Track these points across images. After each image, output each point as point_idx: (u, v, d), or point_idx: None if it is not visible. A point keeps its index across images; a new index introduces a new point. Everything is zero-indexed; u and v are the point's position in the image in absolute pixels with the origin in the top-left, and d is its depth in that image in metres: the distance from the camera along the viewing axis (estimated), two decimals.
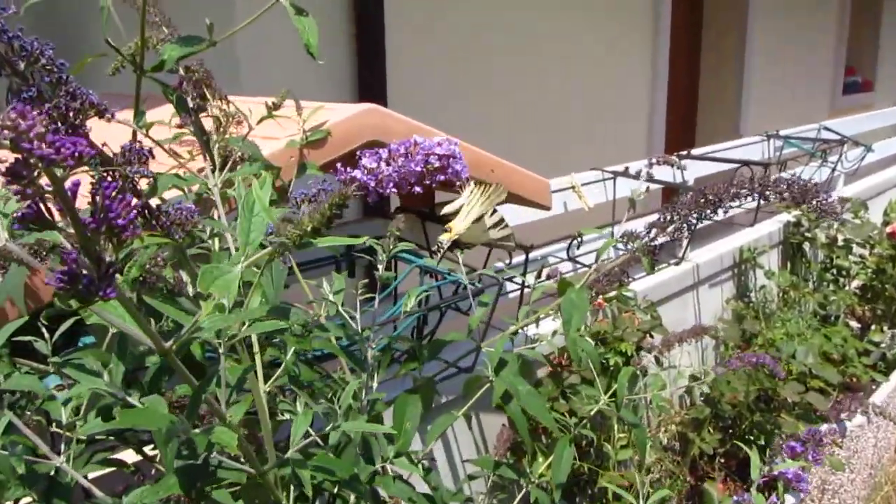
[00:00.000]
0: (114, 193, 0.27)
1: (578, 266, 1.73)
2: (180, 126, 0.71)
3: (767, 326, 2.57)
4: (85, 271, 0.27)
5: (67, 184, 0.26)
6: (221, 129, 0.99)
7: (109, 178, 0.44)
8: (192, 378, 0.41)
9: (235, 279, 0.37)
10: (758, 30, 4.09)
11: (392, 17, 2.22)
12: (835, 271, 2.97)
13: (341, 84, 2.21)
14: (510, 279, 1.62)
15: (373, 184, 0.45)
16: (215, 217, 0.64)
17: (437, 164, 0.50)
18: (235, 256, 0.39)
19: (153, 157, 0.46)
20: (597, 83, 3.11)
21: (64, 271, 0.27)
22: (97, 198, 0.27)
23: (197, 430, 0.42)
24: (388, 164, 0.47)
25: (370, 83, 2.18)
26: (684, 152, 2.32)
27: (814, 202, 0.72)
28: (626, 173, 2.00)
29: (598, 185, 2.02)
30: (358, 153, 0.48)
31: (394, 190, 0.46)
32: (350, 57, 2.20)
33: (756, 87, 4.15)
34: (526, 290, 1.55)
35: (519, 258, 1.48)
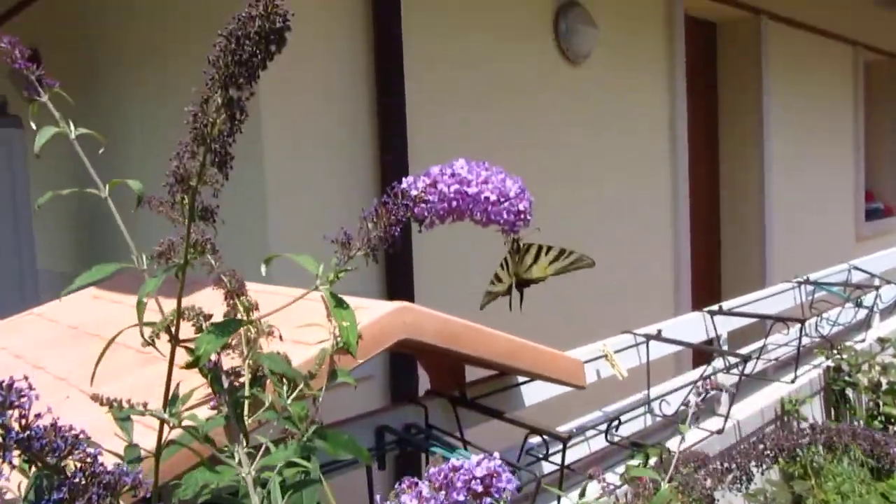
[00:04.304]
0: None
1: (616, 446, 1.66)
2: (215, 408, 0.69)
3: (817, 483, 2.43)
4: None
5: None
6: (250, 344, 0.97)
7: None
8: None
9: None
10: (776, 179, 4.16)
11: (413, 105, 2.26)
12: (882, 418, 2.84)
13: (364, 174, 2.21)
14: (545, 458, 1.55)
15: None
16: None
17: (479, 489, 0.47)
18: None
19: None
20: (622, 246, 3.14)
21: None
22: None
23: None
24: (427, 502, 0.44)
25: (392, 171, 2.18)
26: (716, 307, 2.27)
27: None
28: (658, 336, 1.95)
29: (629, 348, 1.97)
30: (396, 488, 0.45)
31: None
32: (373, 142, 2.22)
33: (779, 234, 4.17)
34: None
35: (556, 448, 1.41)
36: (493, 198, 0.46)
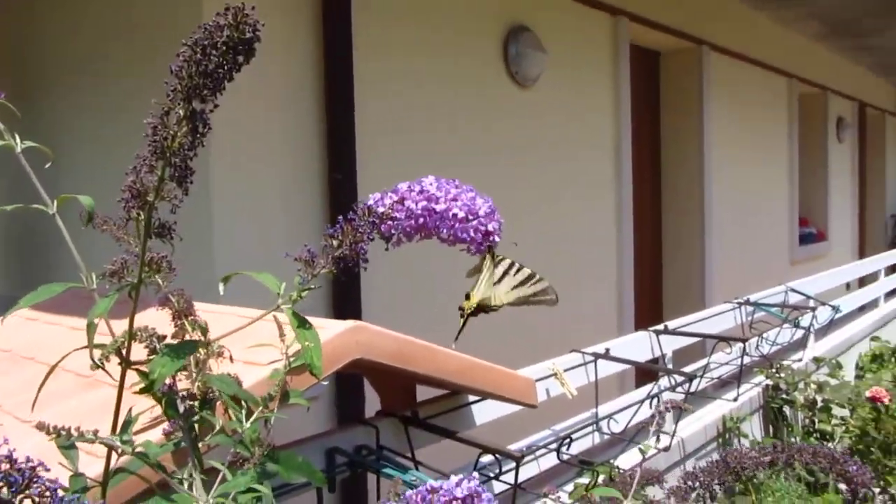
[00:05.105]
0: None
1: (565, 464, 1.66)
2: (168, 434, 0.66)
3: (758, 499, 2.49)
4: None
5: None
6: (199, 366, 0.94)
7: None
8: None
9: None
10: (715, 204, 4.28)
11: (363, 124, 2.25)
12: (818, 434, 2.93)
13: (312, 190, 2.18)
14: (497, 477, 1.54)
15: None
16: None
17: None
18: None
19: None
20: (567, 265, 3.17)
21: None
22: None
23: None
24: None
25: (341, 189, 2.18)
26: (661, 326, 2.32)
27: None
28: (607, 355, 1.97)
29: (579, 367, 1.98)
30: None
31: None
32: (321, 159, 2.19)
33: (718, 257, 4.29)
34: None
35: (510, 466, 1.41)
36: (461, 215, 0.46)
